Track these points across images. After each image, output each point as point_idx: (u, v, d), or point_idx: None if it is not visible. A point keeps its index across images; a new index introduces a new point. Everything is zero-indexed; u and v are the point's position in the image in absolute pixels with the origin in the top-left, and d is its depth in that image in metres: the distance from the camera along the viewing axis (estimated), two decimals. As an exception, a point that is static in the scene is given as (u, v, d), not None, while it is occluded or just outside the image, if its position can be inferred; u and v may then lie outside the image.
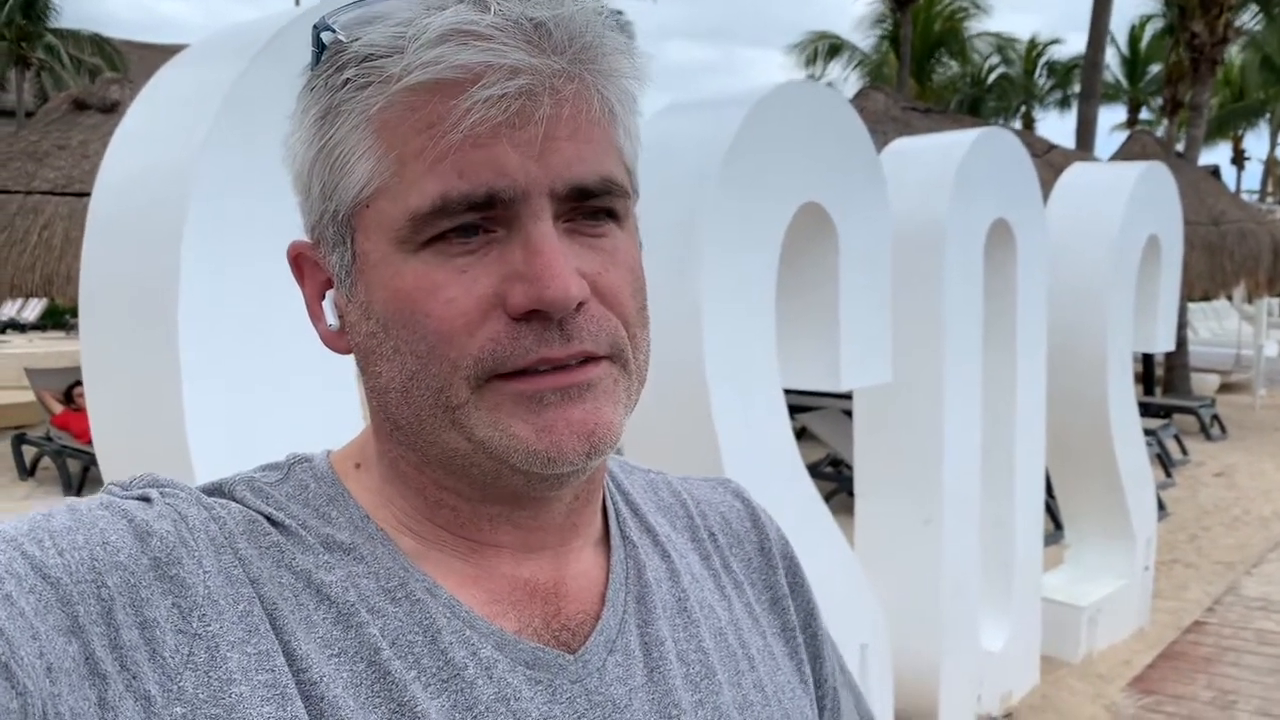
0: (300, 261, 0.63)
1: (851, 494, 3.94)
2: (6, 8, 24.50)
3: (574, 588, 0.65)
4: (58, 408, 8.60)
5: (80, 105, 7.97)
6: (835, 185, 2.96)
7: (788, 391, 7.80)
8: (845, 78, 23.94)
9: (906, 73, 18.86)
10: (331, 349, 0.63)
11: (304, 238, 0.62)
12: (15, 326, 19.52)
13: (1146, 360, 12.29)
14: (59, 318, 19.97)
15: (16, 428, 9.50)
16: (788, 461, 2.91)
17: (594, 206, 0.57)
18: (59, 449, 8.21)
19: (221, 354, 1.67)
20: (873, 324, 3.14)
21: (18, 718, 0.45)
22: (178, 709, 0.50)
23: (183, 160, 1.67)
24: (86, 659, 0.49)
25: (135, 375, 1.77)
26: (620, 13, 0.58)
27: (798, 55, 24.19)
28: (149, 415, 1.73)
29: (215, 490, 0.61)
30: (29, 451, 8.66)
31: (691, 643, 0.68)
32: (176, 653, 0.51)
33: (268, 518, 0.59)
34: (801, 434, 8.86)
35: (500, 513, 0.62)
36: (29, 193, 7.32)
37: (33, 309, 19.39)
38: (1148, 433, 7.42)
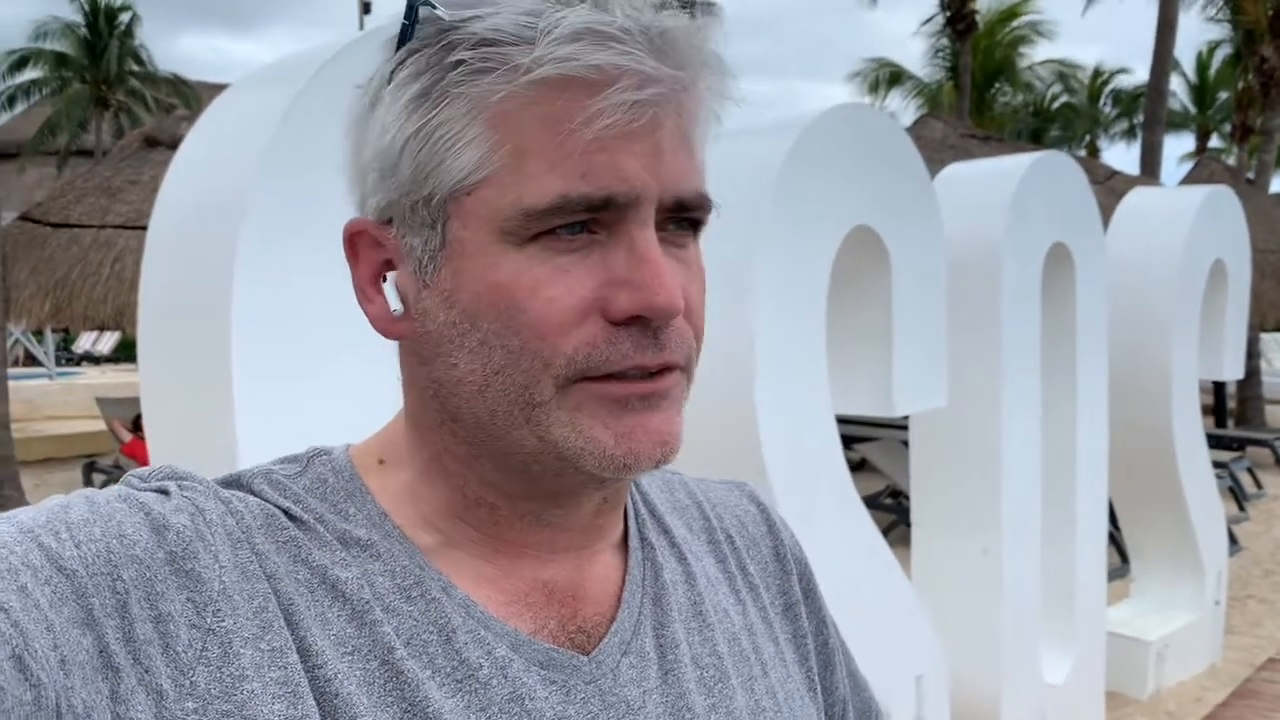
0: (358, 240, 0.60)
1: (910, 525, 3.88)
2: (105, 59, 25.44)
3: (592, 590, 0.65)
4: (126, 436, 8.80)
5: (152, 142, 8.21)
6: (887, 208, 2.94)
7: (846, 422, 7.72)
8: (905, 106, 23.86)
9: (966, 102, 18.73)
10: (382, 332, 0.60)
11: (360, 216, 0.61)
12: (90, 359, 20.07)
13: (1218, 391, 11.98)
14: (131, 350, 20.48)
15: (88, 456, 9.74)
16: (840, 487, 2.88)
17: (686, 218, 0.58)
18: (127, 476, 8.39)
19: (275, 376, 1.70)
20: (927, 348, 3.10)
21: (31, 709, 0.45)
22: (189, 704, 0.50)
23: (237, 185, 1.71)
24: (100, 652, 0.49)
25: (190, 397, 1.80)
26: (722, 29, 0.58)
27: (860, 83, 24.18)
28: (203, 437, 1.76)
29: (233, 483, 0.60)
30: (99, 479, 8.87)
31: (706, 646, 0.68)
32: (190, 647, 0.51)
33: (285, 512, 0.59)
34: (861, 465, 8.77)
35: (535, 510, 0.62)
36: (102, 227, 7.53)
37: (106, 342, 19.95)
38: (1220, 465, 7.23)
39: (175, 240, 1.83)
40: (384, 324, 0.60)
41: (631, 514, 0.70)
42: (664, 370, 0.57)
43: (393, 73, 0.56)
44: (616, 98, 0.52)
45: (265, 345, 1.70)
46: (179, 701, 0.50)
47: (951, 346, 3.22)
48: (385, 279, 0.61)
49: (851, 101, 3.45)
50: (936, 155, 6.57)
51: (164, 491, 0.57)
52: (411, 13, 0.55)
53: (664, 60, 0.53)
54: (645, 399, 0.57)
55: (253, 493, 0.60)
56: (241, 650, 0.52)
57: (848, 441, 8.12)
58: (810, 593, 0.79)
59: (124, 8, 26.86)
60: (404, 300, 0.59)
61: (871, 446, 7.89)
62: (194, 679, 0.51)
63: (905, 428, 5.32)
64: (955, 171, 3.88)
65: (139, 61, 26.82)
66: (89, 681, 0.48)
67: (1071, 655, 3.94)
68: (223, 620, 0.52)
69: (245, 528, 0.56)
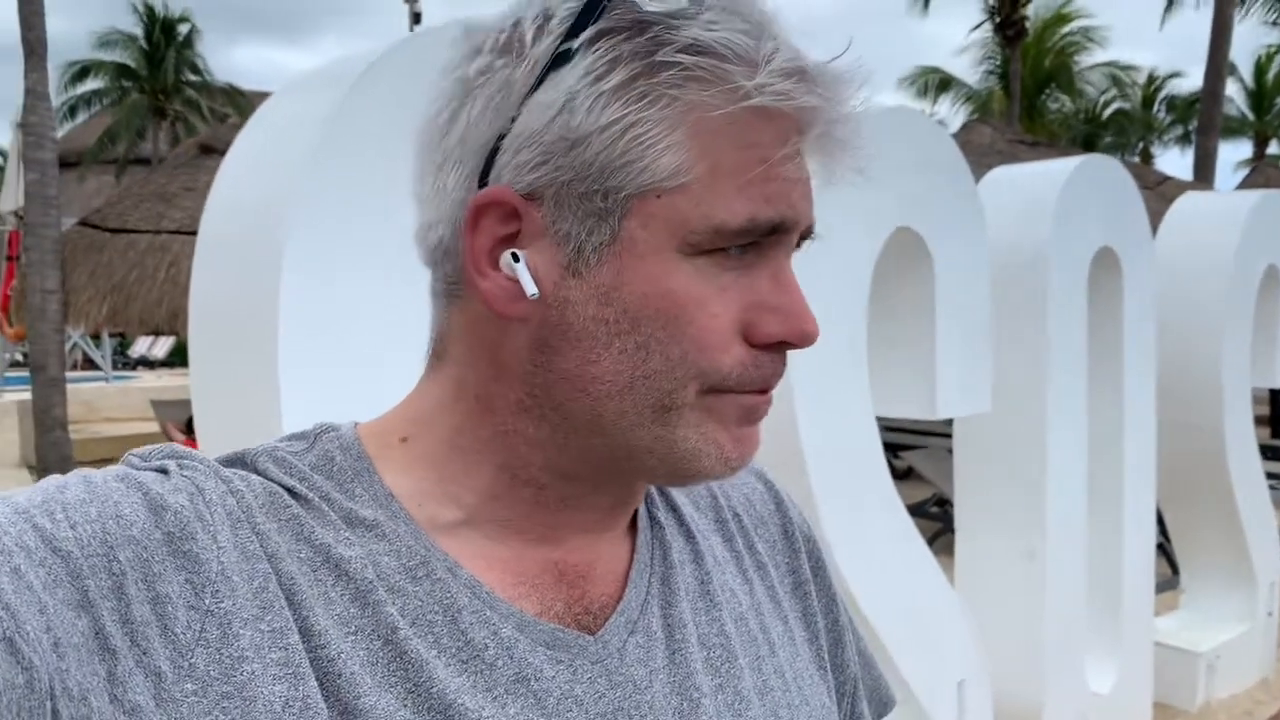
0: (487, 210, 0.57)
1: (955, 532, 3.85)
2: (163, 69, 26.00)
3: (601, 570, 0.65)
4: (180, 437, 8.95)
5: (206, 149, 8.37)
6: (930, 211, 2.94)
7: (894, 429, 7.64)
8: (955, 113, 23.68)
9: (1016, 108, 18.55)
10: (499, 311, 0.58)
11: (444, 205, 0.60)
12: (146, 363, 20.44)
13: (1275, 401, 11.73)
14: (185, 355, 20.84)
15: (144, 458, 9.91)
16: (881, 490, 2.87)
17: (797, 245, 0.61)
18: (180, 478, 8.52)
19: (322, 376, 1.73)
20: (971, 351, 3.09)
21: (24, 692, 0.45)
22: (188, 685, 0.50)
23: (284, 186, 1.75)
24: (96, 634, 0.48)
25: (237, 396, 1.85)
26: None
27: (909, 90, 24.03)
28: (250, 437, 1.80)
29: (236, 461, 0.60)
30: (153, 480, 9.02)
31: (713, 626, 0.68)
32: (188, 629, 0.51)
33: (289, 490, 0.58)
34: (908, 473, 8.70)
35: (580, 494, 0.63)
36: (157, 232, 7.69)
37: (161, 347, 20.31)
38: (1275, 477, 7.08)
39: (224, 242, 1.88)
40: (502, 302, 0.58)
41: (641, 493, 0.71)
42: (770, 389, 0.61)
43: (568, 50, 0.55)
44: (810, 139, 0.55)
45: (312, 345, 1.73)
46: (178, 683, 0.49)
47: (996, 351, 3.20)
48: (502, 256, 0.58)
49: (894, 105, 3.45)
50: (984, 160, 6.52)
51: (163, 471, 0.56)
52: None
53: (843, 108, 0.56)
54: (759, 411, 0.60)
55: (256, 471, 0.59)
56: (241, 631, 0.52)
57: (895, 449, 8.09)
58: (819, 571, 0.79)
59: (182, 19, 27.41)
60: (539, 285, 0.57)
61: (918, 454, 7.82)
62: (193, 660, 0.50)
63: (951, 435, 5.28)
64: (1001, 175, 3.86)
65: (195, 71, 27.36)
66: (84, 664, 0.47)
67: (1118, 664, 3.89)
68: (221, 601, 0.52)
69: (246, 507, 0.56)
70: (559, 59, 0.55)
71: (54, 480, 0.54)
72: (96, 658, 0.48)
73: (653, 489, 0.72)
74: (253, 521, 0.55)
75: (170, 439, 9.15)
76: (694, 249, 0.55)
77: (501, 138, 0.56)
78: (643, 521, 0.69)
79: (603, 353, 0.56)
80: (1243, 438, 4.70)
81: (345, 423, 0.65)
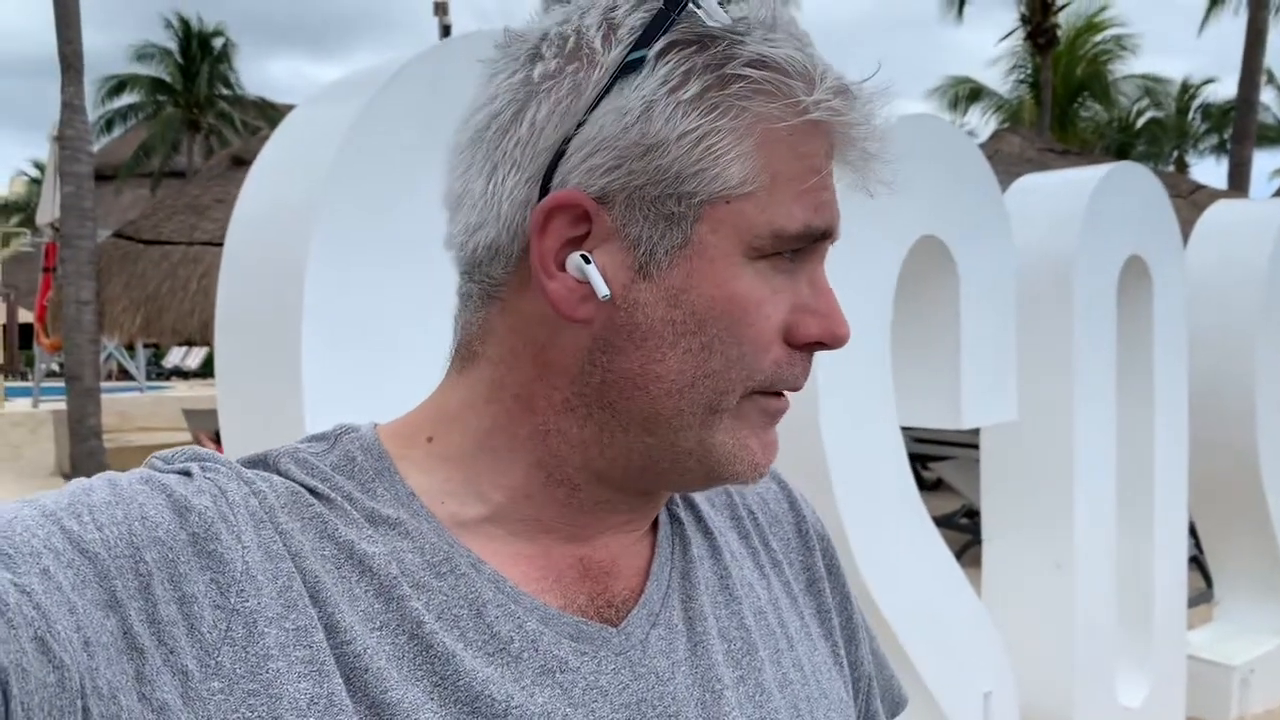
0: (557, 213, 0.58)
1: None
2: (197, 83, 26.37)
3: (623, 565, 0.66)
4: (211, 447, 9.03)
5: (238, 161, 8.47)
6: (954, 218, 2.92)
7: (923, 440, 7.57)
8: (985, 122, 23.56)
9: (1047, 117, 18.43)
10: (566, 313, 0.59)
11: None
12: (180, 374, 20.68)
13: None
14: (217, 365, 21.02)
15: (177, 467, 10.01)
16: (906, 500, 2.85)
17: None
18: (212, 487, 8.58)
19: (345, 382, 1.75)
20: (996, 359, 3.06)
21: (55, 690, 0.45)
22: (215, 683, 0.51)
23: (308, 194, 1.77)
24: (124, 633, 0.49)
25: (261, 403, 1.86)
26: None
27: (939, 99, 23.94)
28: (274, 433, 1.82)
29: (259, 462, 0.61)
30: (185, 489, 9.10)
31: (733, 620, 0.69)
32: (214, 628, 0.52)
33: (311, 490, 0.59)
34: (937, 485, 8.63)
35: (613, 499, 0.64)
36: (190, 243, 7.78)
37: (195, 357, 20.54)
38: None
39: (249, 250, 1.90)
40: (570, 304, 0.58)
41: None
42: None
43: (638, 59, 0.56)
44: (858, 149, 0.59)
45: (336, 352, 1.75)
46: (205, 681, 0.50)
47: (1023, 360, 3.17)
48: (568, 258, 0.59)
49: (919, 112, 3.44)
50: (1013, 169, 6.48)
51: (186, 473, 0.57)
52: (677, 4, 0.57)
53: (871, 119, 0.60)
54: (782, 414, 0.63)
55: (278, 472, 0.60)
56: (266, 630, 0.53)
57: (924, 460, 8.04)
58: (833, 569, 0.80)
59: (217, 33, 27.76)
60: (611, 288, 0.58)
61: (947, 465, 7.76)
62: (219, 659, 0.51)
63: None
64: (1029, 182, 3.83)
65: (228, 85, 27.69)
66: (113, 663, 0.48)
67: (1149, 678, 3.84)
68: (246, 600, 0.53)
69: (268, 507, 0.57)
70: (627, 67, 0.56)
71: (80, 483, 0.55)
72: (125, 657, 0.49)
73: None
74: (275, 521, 0.56)
75: (202, 447, 9.21)
76: (756, 253, 0.58)
77: (566, 141, 0.57)
78: (662, 518, 0.70)
79: (668, 352, 0.58)
80: (1277, 448, 4.63)
81: (364, 424, 0.66)
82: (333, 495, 0.59)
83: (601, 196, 0.57)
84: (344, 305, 1.75)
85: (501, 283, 0.61)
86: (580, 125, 0.57)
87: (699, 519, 0.73)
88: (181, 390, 15.80)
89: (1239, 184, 13.47)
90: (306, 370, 1.70)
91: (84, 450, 8.08)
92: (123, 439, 11.84)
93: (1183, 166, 27.78)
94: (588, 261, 0.58)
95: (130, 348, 16.53)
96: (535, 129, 0.58)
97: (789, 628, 0.73)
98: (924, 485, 8.57)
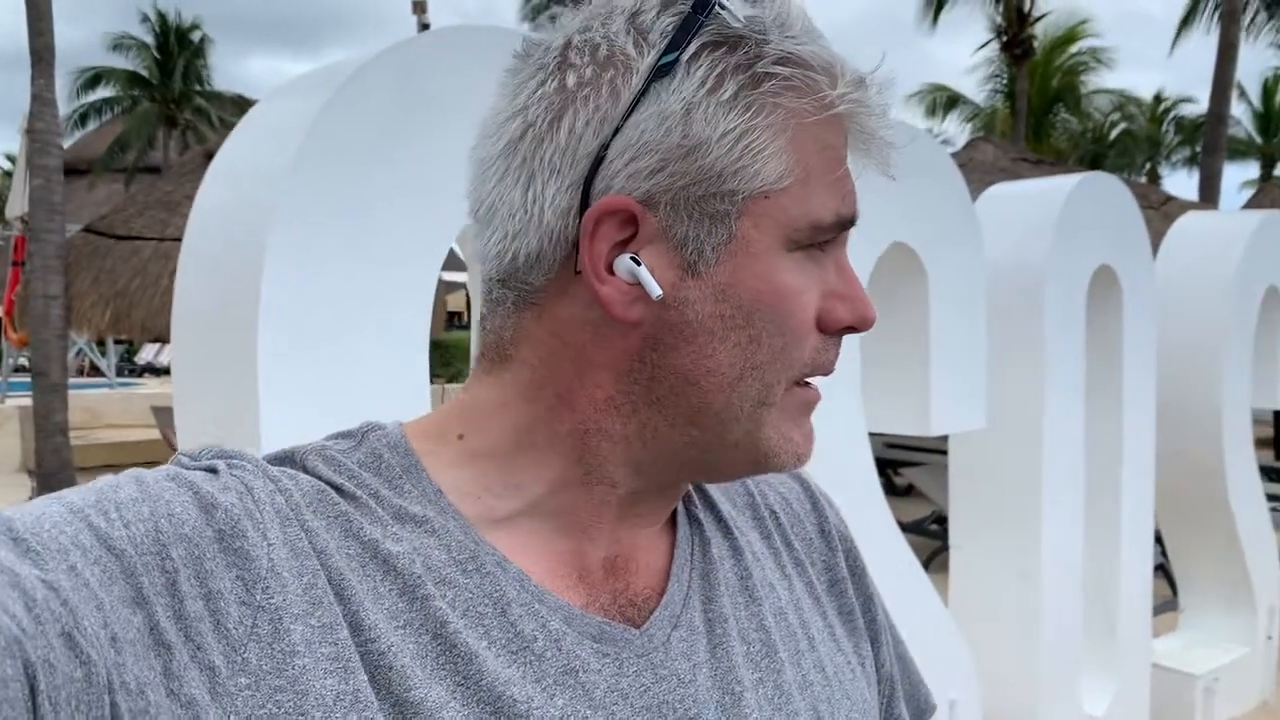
0: (606, 219, 0.59)
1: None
2: (173, 78, 26.15)
3: (644, 563, 0.67)
4: (178, 444, 8.95)
5: (211, 157, 8.38)
6: (925, 225, 2.92)
7: (894, 446, 7.58)
8: (961, 131, 23.70)
9: (1022, 126, 18.56)
10: (619, 315, 0.59)
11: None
12: (152, 370, 20.47)
13: (1278, 423, 11.68)
14: (190, 363, 20.82)
15: (144, 463, 9.89)
16: (873, 506, 2.85)
17: None
18: (180, 485, 8.50)
19: (302, 378, 1.72)
20: (966, 368, 3.07)
21: (82, 686, 0.46)
22: (242, 679, 0.51)
23: (267, 189, 1.75)
24: (151, 630, 0.50)
25: (217, 399, 1.83)
26: None
27: (916, 106, 24.07)
28: (230, 431, 1.79)
29: (285, 459, 0.62)
30: (153, 487, 9.01)
31: (753, 621, 0.69)
32: (240, 624, 0.52)
33: (337, 488, 0.60)
34: (908, 490, 8.66)
35: (644, 493, 0.65)
36: (161, 239, 7.70)
37: (168, 354, 20.34)
38: (1276, 499, 7.03)
39: (208, 245, 1.87)
40: (622, 306, 0.59)
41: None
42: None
43: (670, 62, 0.58)
44: (881, 141, 0.62)
45: (292, 348, 1.72)
46: (232, 677, 0.51)
47: (993, 368, 3.18)
48: (616, 260, 0.60)
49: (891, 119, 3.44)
50: (987, 178, 6.51)
51: (213, 470, 0.58)
52: (705, 6, 0.58)
53: (883, 110, 0.62)
54: (817, 403, 0.65)
55: (305, 469, 0.61)
56: (292, 626, 0.53)
57: (895, 466, 8.07)
58: (856, 570, 0.81)
59: (194, 27, 27.55)
60: (664, 289, 0.59)
61: (918, 471, 7.79)
62: (245, 655, 0.51)
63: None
64: (1000, 191, 3.85)
65: (201, 81, 27.47)
66: (140, 659, 0.49)
67: (1114, 686, 3.85)
68: (272, 597, 0.53)
69: (294, 505, 0.57)
70: (660, 71, 0.58)
71: (107, 480, 0.55)
72: (152, 653, 0.49)
73: (690, 486, 0.74)
74: (301, 519, 0.57)
75: (170, 445, 9.14)
76: (795, 245, 0.60)
77: (604, 147, 0.58)
78: (681, 518, 0.71)
79: (718, 347, 0.59)
80: (1243, 459, 4.67)
81: (390, 422, 0.66)
82: (359, 493, 0.60)
83: (647, 199, 0.58)
84: (302, 302, 1.73)
85: (540, 289, 0.62)
86: (618, 130, 0.58)
87: (719, 519, 0.74)
88: (153, 387, 15.64)
89: (1209, 196, 13.61)
90: (263, 367, 1.68)
91: (50, 447, 7.96)
92: (91, 436, 11.71)
93: (1155, 178, 28.05)
94: (638, 264, 0.59)
95: (102, 344, 16.36)
96: (574, 136, 0.59)
97: (811, 629, 0.73)
98: (895, 491, 8.61)
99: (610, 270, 0.59)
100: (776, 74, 0.58)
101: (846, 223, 0.62)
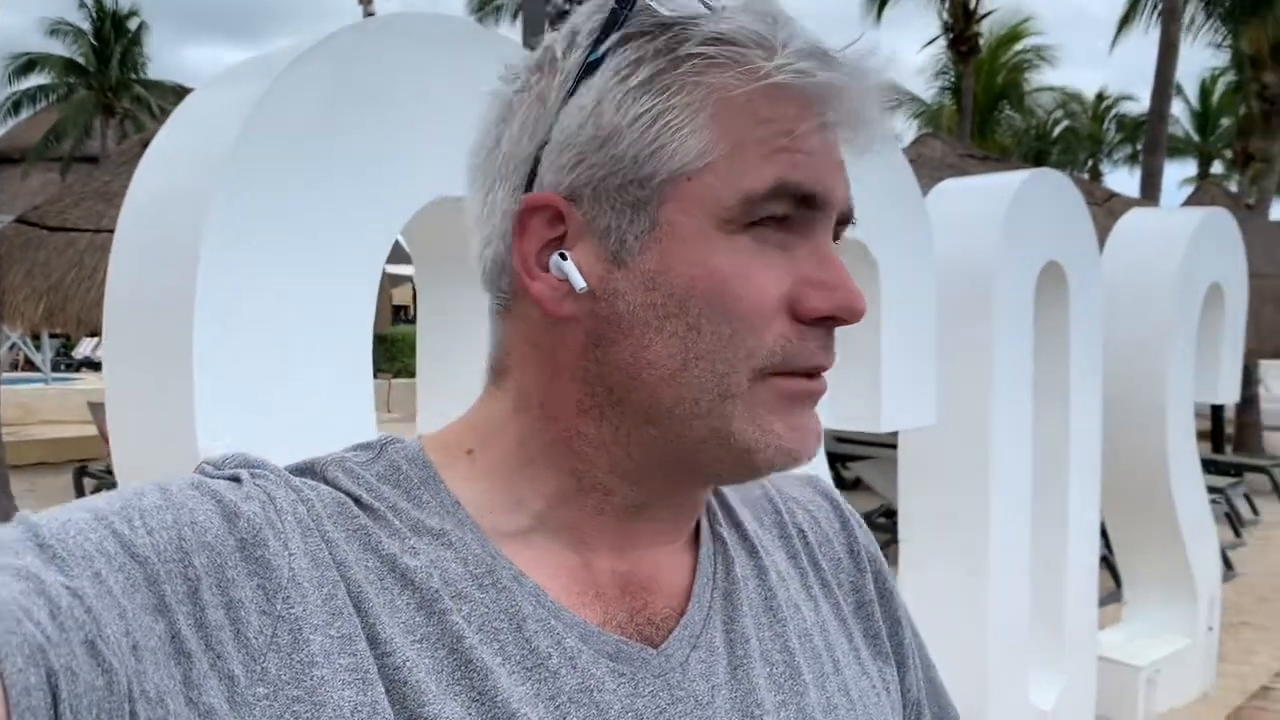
0: (533, 215, 0.60)
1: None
2: (113, 61, 25.58)
3: (664, 582, 0.66)
4: (116, 441, 8.75)
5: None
6: (876, 221, 2.91)
7: (842, 440, 7.61)
8: (908, 127, 23.91)
9: (968, 123, 18.77)
10: (551, 311, 0.60)
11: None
12: (90, 365, 20.02)
13: (1216, 417, 11.95)
14: (129, 357, 20.41)
15: (80, 460, 9.70)
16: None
17: (838, 234, 0.62)
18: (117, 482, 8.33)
19: (238, 374, 1.67)
20: (916, 365, 3.07)
21: (103, 694, 0.45)
22: (260, 689, 0.51)
23: (203, 181, 1.68)
24: (172, 638, 0.49)
25: (151, 395, 1.77)
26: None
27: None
28: (163, 435, 1.72)
29: (306, 470, 0.61)
30: (90, 484, 8.82)
31: (777, 642, 0.68)
32: (260, 634, 0.52)
33: (357, 500, 0.59)
34: (856, 484, 8.72)
35: (646, 502, 0.63)
36: (98, 231, 7.51)
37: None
38: (1216, 491, 7.18)
39: (141, 236, 1.80)
40: (553, 302, 0.60)
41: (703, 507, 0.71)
42: (820, 372, 0.61)
43: (597, 59, 0.58)
44: (833, 115, 0.57)
45: (230, 343, 1.66)
46: (250, 687, 0.51)
47: (942, 363, 3.18)
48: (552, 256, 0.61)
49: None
50: (935, 174, 6.55)
51: (236, 479, 0.58)
52: (628, 3, 0.58)
53: (864, 90, 0.58)
54: (813, 398, 0.60)
55: (325, 480, 0.60)
56: (311, 637, 0.53)
57: (843, 460, 8.11)
58: (884, 591, 0.78)
59: (131, 14, 26.97)
60: (588, 282, 0.59)
61: (866, 465, 7.84)
62: (265, 665, 0.51)
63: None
64: (949, 187, 3.86)
65: (137, 70, 26.92)
66: (161, 667, 0.48)
67: (1061, 678, 3.89)
68: (293, 607, 0.53)
69: (315, 515, 0.57)
70: (589, 68, 0.58)
71: (131, 487, 0.55)
72: (173, 661, 0.49)
73: (714, 502, 0.72)
74: (322, 530, 0.56)
75: (107, 441, 8.94)
76: (732, 224, 0.57)
77: (542, 148, 0.59)
78: (705, 535, 0.69)
79: (654, 338, 0.58)
80: (1185, 453, 4.74)
81: (409, 437, 0.66)
82: (377, 505, 0.60)
83: (571, 194, 0.59)
84: (240, 295, 1.67)
85: (510, 294, 0.63)
86: (551, 130, 0.59)
87: (744, 537, 0.72)
88: (90, 382, 15.29)
89: (1150, 193, 13.85)
90: (199, 362, 1.62)
91: (-19, 444, 7.74)
92: (25, 432, 11.42)
93: (1096, 175, 28.53)
94: (564, 258, 0.59)
95: (36, 338, 15.96)
96: (515, 141, 0.61)
97: (836, 651, 0.71)
98: (843, 485, 8.67)
99: (547, 269, 0.60)
100: (700, 54, 0.57)
101: (798, 194, 0.57)
